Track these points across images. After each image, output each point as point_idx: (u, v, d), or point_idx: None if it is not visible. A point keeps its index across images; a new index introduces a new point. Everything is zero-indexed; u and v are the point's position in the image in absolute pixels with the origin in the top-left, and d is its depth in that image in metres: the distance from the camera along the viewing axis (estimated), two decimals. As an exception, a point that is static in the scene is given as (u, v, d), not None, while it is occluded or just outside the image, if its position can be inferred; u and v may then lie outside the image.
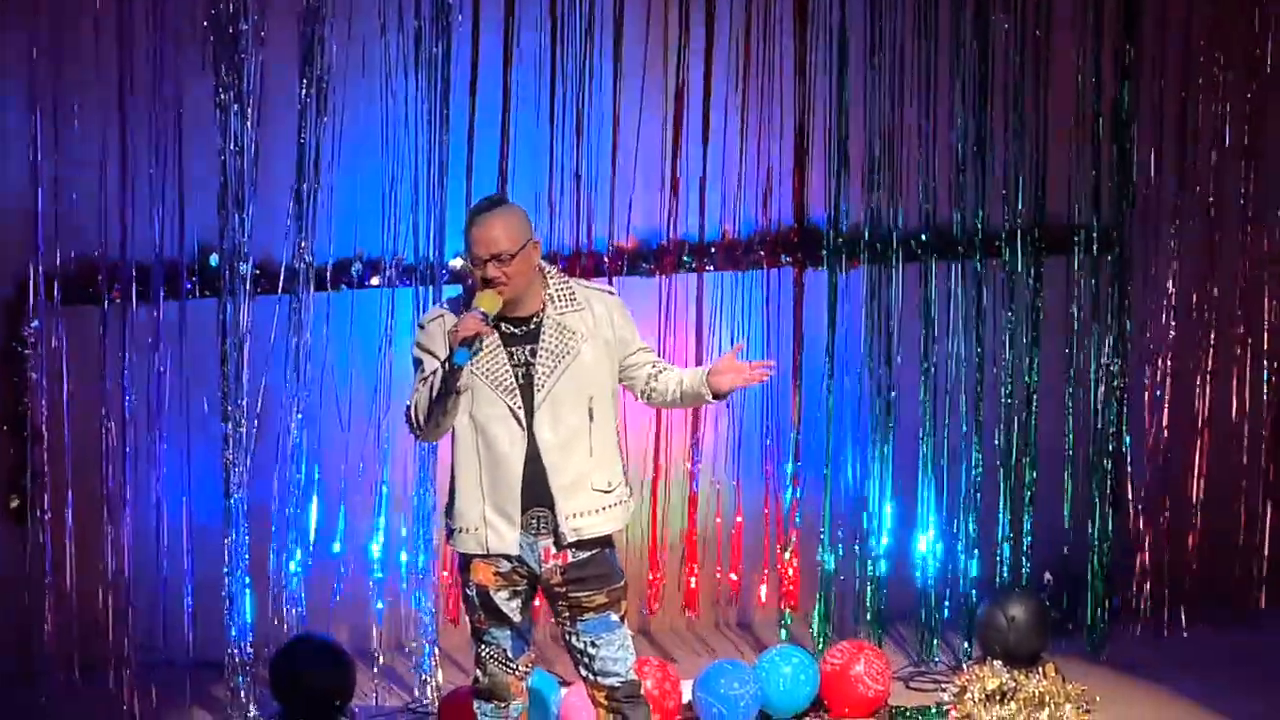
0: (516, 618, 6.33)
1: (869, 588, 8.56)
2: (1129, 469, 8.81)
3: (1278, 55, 8.84)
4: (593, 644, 6.30)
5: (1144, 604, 8.86)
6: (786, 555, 8.61)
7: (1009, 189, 8.58)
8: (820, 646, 8.37)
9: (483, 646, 6.37)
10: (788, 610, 8.62)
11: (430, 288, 8.16)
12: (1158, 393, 8.87)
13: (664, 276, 8.51)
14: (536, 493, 6.21)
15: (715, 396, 6.32)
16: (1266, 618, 8.95)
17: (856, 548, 8.57)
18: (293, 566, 8.11)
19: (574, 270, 8.18)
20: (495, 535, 6.23)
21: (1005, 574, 8.65)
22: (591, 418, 6.23)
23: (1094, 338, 8.68)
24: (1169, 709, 8.10)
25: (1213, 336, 8.92)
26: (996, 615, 8.14)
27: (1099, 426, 8.70)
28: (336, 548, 8.27)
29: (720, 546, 8.69)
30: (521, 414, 6.18)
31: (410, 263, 8.18)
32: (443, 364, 6.12)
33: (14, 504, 8.11)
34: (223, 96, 7.83)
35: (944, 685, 8.27)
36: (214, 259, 8.01)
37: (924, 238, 8.55)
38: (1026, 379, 8.64)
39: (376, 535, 8.29)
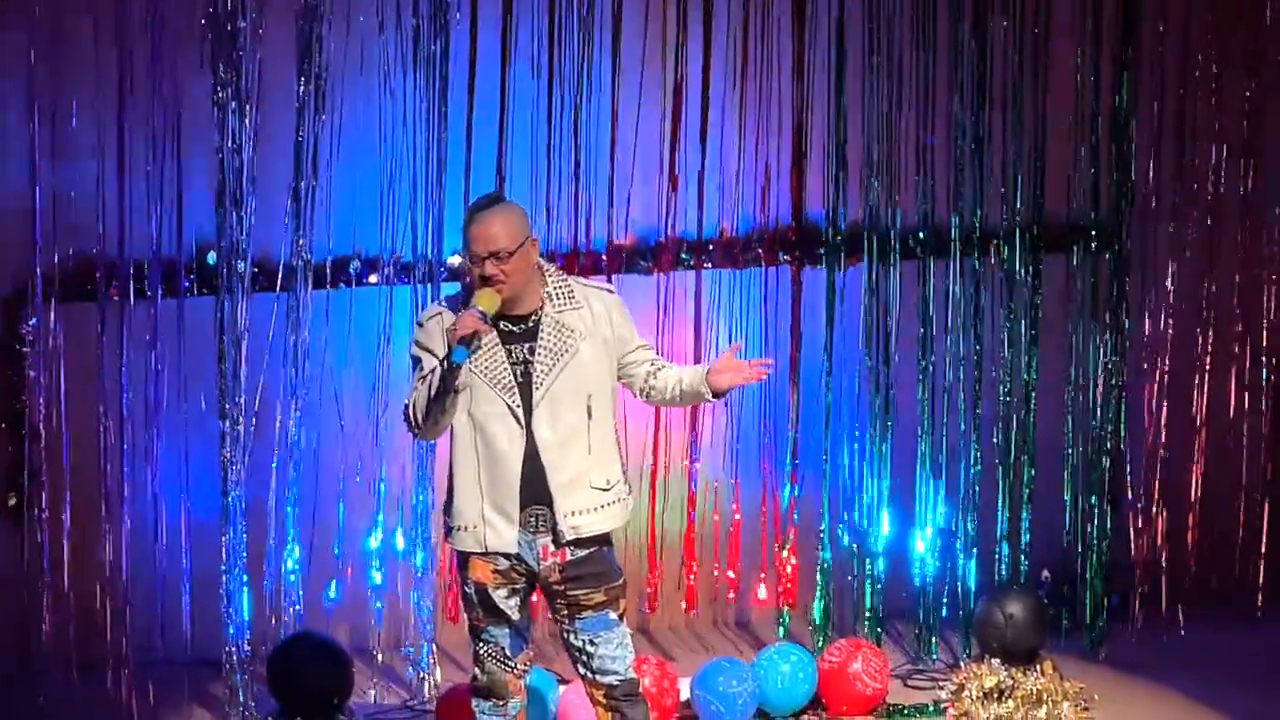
0: (515, 616, 6.32)
1: (867, 585, 8.56)
2: (1127, 467, 8.81)
3: (1277, 54, 8.84)
4: (591, 642, 6.30)
5: (1142, 602, 8.86)
6: (785, 553, 8.61)
7: (1007, 187, 8.58)
8: (820, 644, 8.36)
9: (481, 644, 6.36)
10: (786, 608, 8.62)
11: (428, 285, 8.16)
12: (1156, 391, 8.87)
13: (662, 274, 8.51)
14: (535, 491, 6.20)
15: (714, 395, 6.32)
16: (1264, 616, 8.95)
17: (855, 546, 8.57)
18: (291, 564, 8.11)
19: (572, 268, 8.18)
20: (494, 533, 6.23)
21: (1003, 572, 8.65)
22: (590, 416, 6.23)
23: (1092, 336, 8.68)
24: (1167, 707, 8.10)
25: (1211, 335, 8.93)
26: (994, 613, 8.13)
27: (1097, 425, 8.70)
28: (334, 546, 8.26)
29: (718, 544, 8.69)
30: (520, 412, 6.18)
31: (408, 260, 8.18)
32: (441, 362, 6.12)
33: (12, 502, 8.10)
34: (221, 94, 7.83)
35: (942, 683, 8.27)
36: (212, 257, 8.01)
37: (922, 236, 8.55)
38: (1025, 377, 8.64)
39: (375, 533, 8.29)
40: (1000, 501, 8.64)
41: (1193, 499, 8.94)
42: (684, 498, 8.62)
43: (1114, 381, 8.70)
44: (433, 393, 6.12)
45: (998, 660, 8.06)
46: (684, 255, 8.53)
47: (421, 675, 8.25)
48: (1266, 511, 9.02)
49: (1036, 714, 7.94)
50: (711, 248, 8.55)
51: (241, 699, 7.95)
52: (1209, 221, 8.87)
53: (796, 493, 8.60)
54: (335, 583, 8.29)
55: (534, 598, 6.43)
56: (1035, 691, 7.96)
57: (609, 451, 6.29)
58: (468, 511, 6.26)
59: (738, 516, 8.66)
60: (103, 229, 7.89)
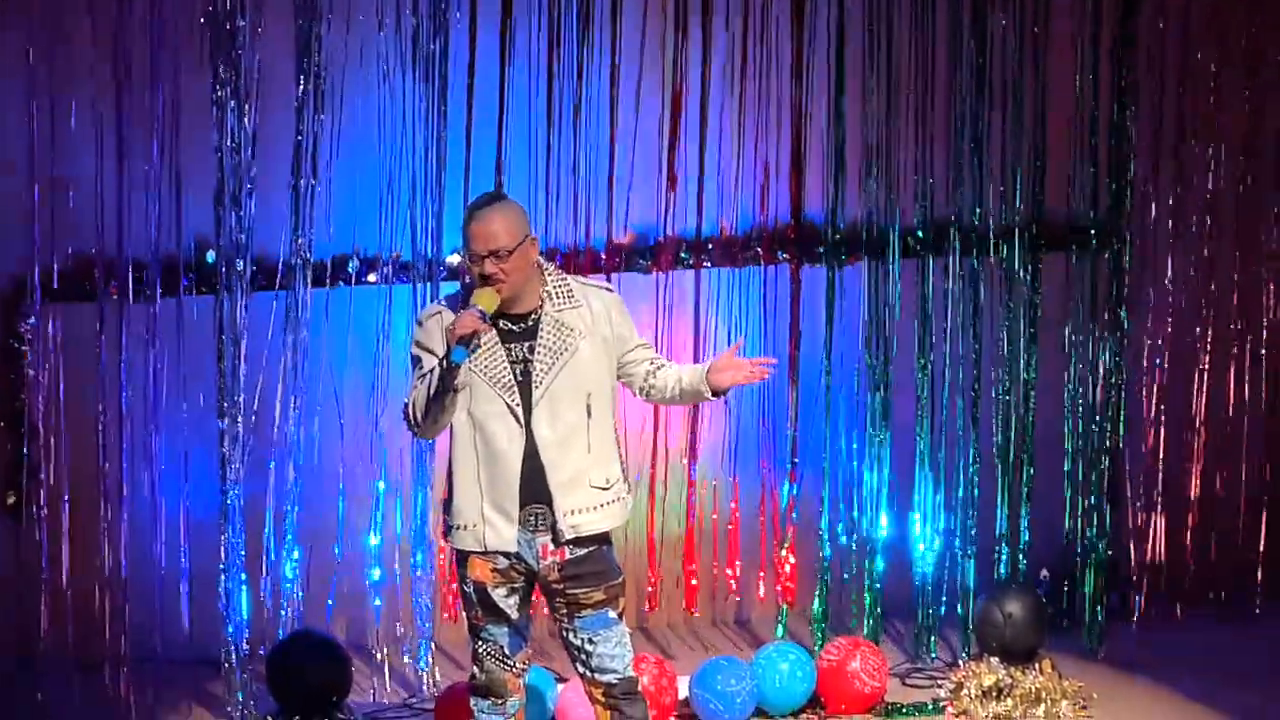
0: (514, 614, 6.33)
1: (866, 584, 8.56)
2: (1126, 466, 8.82)
3: (1276, 52, 8.84)
4: (590, 641, 6.30)
5: (1140, 600, 8.87)
6: (783, 552, 8.61)
7: (1006, 185, 8.58)
8: (819, 643, 8.36)
9: (480, 643, 6.37)
10: (785, 607, 8.63)
11: (428, 284, 8.16)
12: (1155, 390, 8.87)
13: (661, 273, 8.51)
14: (534, 489, 6.20)
15: (714, 394, 6.32)
16: (1263, 614, 8.95)
17: (854, 545, 8.57)
18: (290, 563, 8.11)
19: (571, 267, 8.18)
20: (493, 532, 6.23)
21: (1002, 570, 8.65)
22: (589, 414, 6.23)
23: (1091, 335, 8.68)
24: (1165, 705, 8.10)
25: (1210, 333, 8.93)
26: (993, 612, 8.14)
27: (1096, 423, 8.70)
28: (334, 544, 8.26)
29: (717, 543, 8.69)
30: (519, 411, 6.18)
31: (407, 259, 8.18)
32: (440, 361, 6.12)
33: (11, 500, 8.10)
34: (220, 93, 7.82)
35: (940, 682, 8.27)
36: (211, 255, 8.00)
37: (920, 234, 8.55)
38: (1024, 376, 8.64)
39: (374, 531, 8.29)
40: (999, 500, 8.64)
41: (1192, 498, 8.94)
42: (683, 496, 8.62)
43: (1113, 380, 8.70)
44: (432, 392, 6.12)
45: (996, 659, 8.07)
46: (683, 254, 8.53)
47: (420, 674, 8.25)
48: (1265, 510, 9.02)
49: (1035, 713, 7.95)
50: (710, 246, 8.55)
51: (240, 698, 7.94)
52: (1208, 220, 8.87)
53: (795, 491, 8.60)
54: (334, 581, 8.29)
55: (534, 597, 6.43)
56: (1034, 690, 7.97)
57: (608, 450, 6.29)
58: (467, 510, 6.26)
59: (736, 514, 8.66)
60: (101, 227, 7.88)
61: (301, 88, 7.94)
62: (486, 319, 6.08)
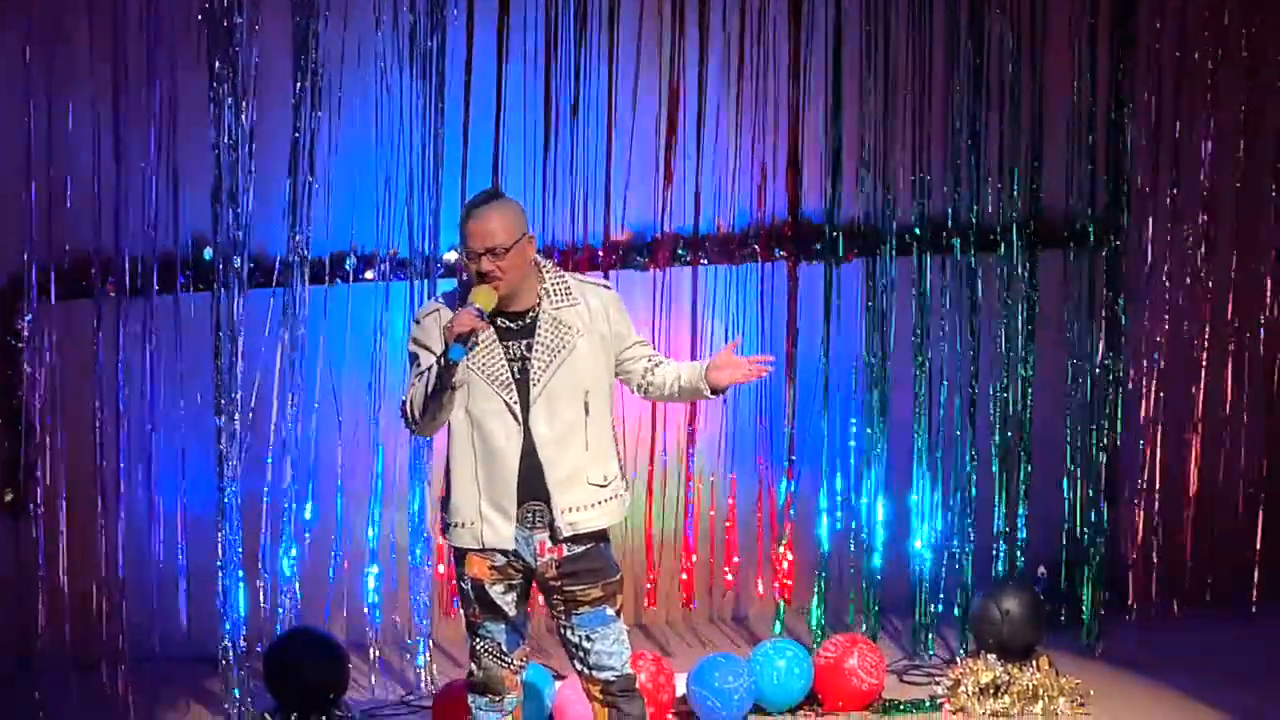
0: (511, 611, 6.32)
1: (863, 581, 8.56)
2: (1124, 463, 8.82)
3: (1274, 49, 8.84)
4: (588, 638, 6.30)
5: (1138, 598, 8.87)
6: (781, 549, 8.61)
7: (1004, 182, 8.58)
8: (818, 640, 8.37)
9: (477, 640, 6.36)
10: (782, 603, 8.63)
11: (425, 281, 8.16)
12: (1153, 387, 8.87)
13: (658, 270, 8.51)
14: (532, 487, 6.20)
15: (713, 392, 6.32)
16: (1260, 612, 8.96)
17: (851, 541, 8.57)
18: (287, 560, 8.11)
19: (568, 264, 8.19)
20: (491, 530, 6.23)
21: (1000, 568, 8.65)
22: (587, 412, 6.23)
23: (1089, 332, 8.68)
24: (1163, 703, 8.10)
25: (1208, 331, 8.93)
26: (991, 609, 8.14)
27: (1094, 420, 8.70)
28: (331, 541, 8.26)
29: (715, 540, 8.69)
30: (517, 409, 6.18)
31: (405, 256, 8.18)
32: (438, 359, 6.11)
33: (8, 497, 8.10)
34: (217, 90, 7.82)
35: (938, 679, 8.27)
36: (208, 252, 8.00)
37: (918, 231, 8.55)
38: (1022, 373, 8.64)
39: (371, 528, 8.29)
40: (997, 497, 8.64)
41: (1189, 495, 8.95)
42: (681, 493, 8.62)
43: (1111, 377, 8.70)
44: (430, 389, 6.12)
45: (994, 656, 8.08)
46: (680, 251, 8.53)
47: (418, 671, 8.25)
48: (1262, 508, 9.02)
49: (1032, 710, 7.95)
50: (708, 243, 8.56)
51: (238, 695, 7.94)
52: (1205, 217, 8.87)
53: (793, 488, 8.60)
54: (332, 578, 8.28)
55: (532, 595, 6.43)
56: (1031, 687, 7.97)
57: (606, 448, 6.29)
58: (465, 508, 6.26)
59: (734, 511, 8.66)
60: (99, 224, 7.88)
61: (299, 85, 7.94)
62: (484, 317, 6.08)
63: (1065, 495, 8.72)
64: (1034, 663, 8.05)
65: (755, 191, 8.53)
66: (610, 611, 6.31)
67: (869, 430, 8.53)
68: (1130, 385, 8.80)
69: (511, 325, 6.22)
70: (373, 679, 8.24)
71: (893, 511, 8.60)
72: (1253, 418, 9.02)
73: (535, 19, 8.18)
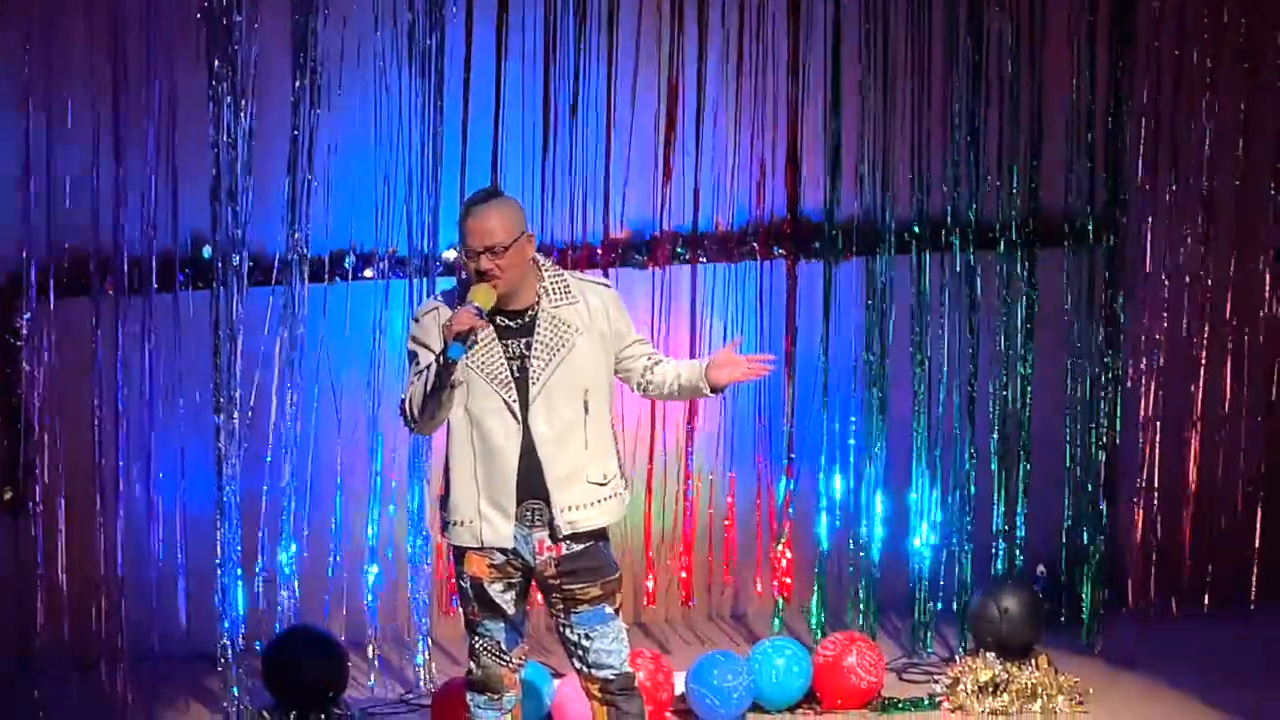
0: (510, 610, 6.32)
1: (862, 579, 8.56)
2: (1123, 461, 8.81)
3: (1273, 48, 8.84)
4: (586, 636, 6.30)
5: (1137, 596, 8.87)
6: (780, 547, 8.61)
7: (1003, 181, 8.58)
8: (817, 638, 8.37)
9: (476, 638, 6.36)
10: (781, 601, 8.63)
11: (424, 280, 8.16)
12: (1152, 385, 8.87)
13: (657, 268, 8.51)
14: (532, 485, 6.20)
15: (713, 390, 6.32)
16: (1259, 610, 8.95)
17: (850, 539, 8.57)
18: (286, 558, 8.11)
19: (567, 262, 8.19)
20: (490, 528, 6.23)
21: (999, 566, 8.65)
22: (587, 410, 6.22)
23: (1088, 330, 8.68)
24: (1162, 701, 8.10)
25: (1207, 329, 8.93)
26: (990, 607, 8.14)
27: (1093, 418, 8.70)
28: (330, 539, 8.26)
29: (714, 538, 8.69)
30: (516, 407, 6.18)
31: (404, 255, 8.18)
32: (437, 358, 6.11)
33: (7, 496, 8.10)
34: (216, 88, 7.82)
35: (937, 677, 8.27)
36: (207, 251, 8.00)
37: (917, 229, 8.55)
38: (1021, 371, 8.64)
39: (370, 526, 8.29)
40: (996, 496, 8.64)
41: (1188, 493, 8.94)
42: (680, 492, 8.62)
43: (1110, 375, 8.70)
44: (429, 388, 6.11)
45: (993, 654, 8.08)
46: (679, 249, 8.53)
47: (417, 669, 8.25)
48: (1261, 507, 9.02)
49: (1031, 708, 7.96)
50: (706, 241, 8.55)
51: (237, 693, 7.94)
52: (1204, 215, 8.86)
53: (792, 486, 8.60)
54: (331, 576, 8.28)
55: (531, 593, 6.43)
56: (1030, 685, 7.97)
57: (606, 446, 6.29)
58: (464, 506, 6.25)
59: (733, 509, 8.66)
60: (97, 223, 7.87)
61: (298, 83, 7.94)
62: (483, 315, 6.08)
63: (1064, 494, 8.72)
64: (1033, 661, 8.05)
65: (754, 189, 8.53)
66: (609, 610, 6.31)
67: (867, 428, 8.52)
68: (1129, 384, 8.80)
69: (510, 324, 6.22)
70: (372, 677, 8.24)
71: (892, 510, 8.60)
72: (1252, 416, 9.02)
73: (534, 17, 8.18)
